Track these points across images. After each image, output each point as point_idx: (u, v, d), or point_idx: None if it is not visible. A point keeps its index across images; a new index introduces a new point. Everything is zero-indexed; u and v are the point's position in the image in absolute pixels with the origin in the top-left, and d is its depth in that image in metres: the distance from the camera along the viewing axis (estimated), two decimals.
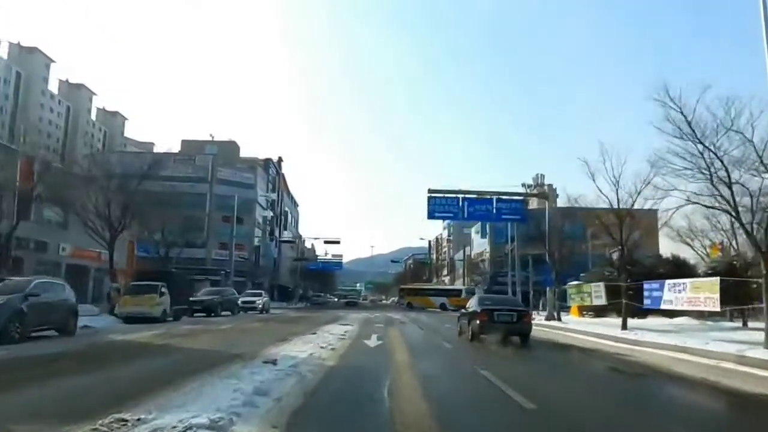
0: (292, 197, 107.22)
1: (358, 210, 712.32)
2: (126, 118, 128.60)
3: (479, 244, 68.59)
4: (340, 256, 76.17)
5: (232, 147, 74.49)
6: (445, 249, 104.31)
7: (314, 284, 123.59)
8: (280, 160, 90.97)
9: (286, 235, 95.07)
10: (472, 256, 77.22)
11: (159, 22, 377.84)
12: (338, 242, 45.02)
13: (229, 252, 57.36)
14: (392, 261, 61.71)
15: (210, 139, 75.68)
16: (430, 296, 62.52)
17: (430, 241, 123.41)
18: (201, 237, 66.48)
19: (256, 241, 70.95)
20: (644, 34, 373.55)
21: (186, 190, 66.87)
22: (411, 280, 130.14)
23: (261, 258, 73.38)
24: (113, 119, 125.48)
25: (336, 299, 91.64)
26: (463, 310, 18.31)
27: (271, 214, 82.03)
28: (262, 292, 36.97)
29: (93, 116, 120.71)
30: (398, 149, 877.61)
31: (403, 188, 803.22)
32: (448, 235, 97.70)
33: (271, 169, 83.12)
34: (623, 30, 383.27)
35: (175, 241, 69.08)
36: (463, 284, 78.29)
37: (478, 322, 14.95)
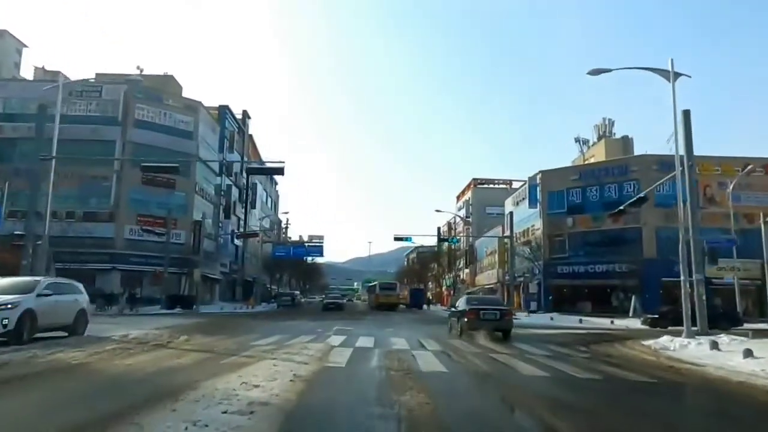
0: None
1: (357, 209, 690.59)
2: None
3: (523, 220, 46.54)
4: (321, 237, 53.81)
5: (167, 84, 52.28)
6: (462, 234, 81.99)
7: (307, 283, 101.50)
8: (245, 114, 68.73)
9: (256, 214, 72.87)
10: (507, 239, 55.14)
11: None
12: (281, 172, 22.72)
13: (40, 222, 35.20)
14: (395, 239, 39.30)
15: (137, 73, 53.38)
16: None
17: (439, 228, 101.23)
18: (107, 205, 44.33)
19: (196, 215, 48.67)
20: None
21: (86, 135, 44.91)
22: (416, 277, 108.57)
23: (205, 240, 51.08)
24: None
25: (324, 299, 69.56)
26: (452, 309, 20.28)
27: (229, 182, 59.77)
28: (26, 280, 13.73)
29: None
30: (396, 149, 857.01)
31: (401, 187, 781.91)
32: (467, 215, 75.68)
33: (229, 121, 60.77)
34: None
35: (72, 212, 47.14)
36: (500, 278, 56.21)
37: (466, 319, 16.34)
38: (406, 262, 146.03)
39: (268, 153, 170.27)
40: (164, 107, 47.40)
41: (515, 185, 74.83)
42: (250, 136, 71.97)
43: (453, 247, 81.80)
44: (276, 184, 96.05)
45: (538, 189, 44.95)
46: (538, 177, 45.21)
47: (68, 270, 42.55)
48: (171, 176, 46.85)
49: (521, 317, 34.81)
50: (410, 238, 40.27)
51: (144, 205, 44.67)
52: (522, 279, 48.43)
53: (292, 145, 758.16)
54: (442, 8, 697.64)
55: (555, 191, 43.85)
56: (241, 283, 64.68)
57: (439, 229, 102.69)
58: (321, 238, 53.69)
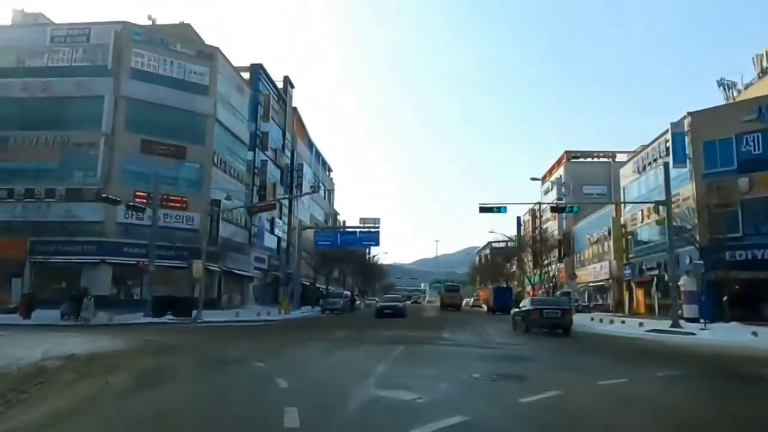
0: (317, 153, 73.75)
1: (422, 208, 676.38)
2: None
3: (658, 188, 32.23)
4: (377, 221, 40.99)
5: (183, 33, 41.46)
6: (551, 222, 67.69)
7: (368, 282, 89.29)
8: (287, 82, 57.68)
9: (305, 203, 61.69)
10: (625, 220, 40.98)
11: None
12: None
13: None
14: (481, 210, 26.07)
15: (149, 24, 42.94)
16: None
17: (519, 217, 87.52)
18: (94, 180, 33.91)
19: (216, 194, 37.71)
20: None
21: (70, 90, 34.91)
22: (490, 275, 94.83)
23: (230, 227, 40.02)
24: None
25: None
26: (516, 310, 21.97)
27: (264, 158, 48.73)
28: None
29: None
30: (457, 151, 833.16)
31: (466, 187, 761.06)
32: (558, 197, 61.26)
33: (264, 84, 49.75)
34: None
35: (52, 189, 36.49)
36: (614, 272, 42.18)
37: (531, 318, 18.71)
38: (478, 260, 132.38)
39: (320, 137, 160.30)
40: (170, 54, 36.73)
41: (620, 157, 59.94)
42: (294, 108, 60.91)
43: (540, 236, 67.70)
44: (330, 171, 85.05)
45: (686, 139, 30.68)
46: (686, 122, 30.93)
47: (47, 265, 32.80)
48: (179, 143, 36.39)
49: (696, 331, 21.05)
50: (503, 208, 27.17)
51: (143, 179, 33.84)
52: (657, 272, 34.38)
53: (348, 140, 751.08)
54: None
55: (716, 140, 29.46)
56: (285, 282, 53.65)
57: (519, 218, 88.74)
58: (376, 221, 41.27)
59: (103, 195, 26.94)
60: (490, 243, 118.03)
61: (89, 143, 33.85)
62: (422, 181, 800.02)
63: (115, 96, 34.40)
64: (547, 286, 53.98)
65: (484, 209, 26.55)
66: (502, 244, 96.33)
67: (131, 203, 27.90)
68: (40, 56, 35.27)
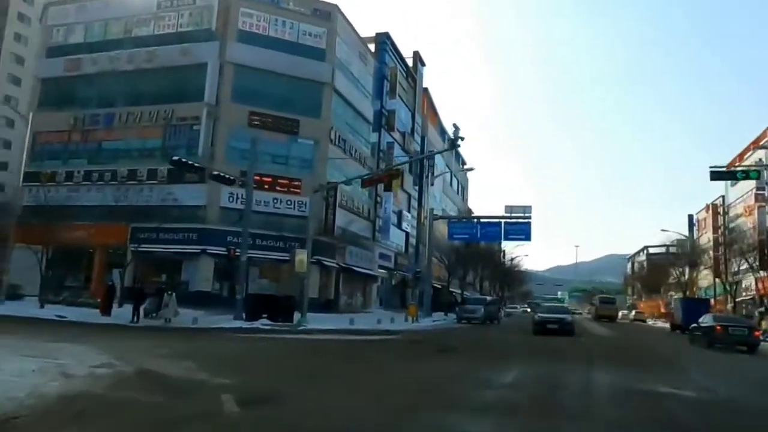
0: (449, 139, 66.43)
1: (556, 215, 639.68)
2: None
3: None
4: (527, 209, 32.03)
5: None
6: (743, 219, 53.76)
7: (506, 288, 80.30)
8: (417, 59, 51.10)
9: (437, 196, 54.75)
10: None
11: None
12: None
13: None
14: (713, 176, 16.78)
15: None
16: None
17: (690, 216, 73.85)
18: (195, 159, 29.38)
19: (333, 175, 31.81)
20: None
21: (173, 59, 30.94)
22: (648, 284, 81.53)
23: (349, 216, 33.97)
24: None
25: (532, 311, 47.76)
26: (694, 326, 21.70)
27: (391, 140, 42.48)
28: None
29: None
30: (597, 154, 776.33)
31: (604, 192, 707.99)
32: (758, 186, 47.79)
33: (390, 56, 43.51)
34: None
35: (154, 170, 30.96)
36: None
37: (715, 334, 18.59)
38: (630, 267, 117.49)
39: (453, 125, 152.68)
40: (282, 13, 31.66)
41: None
42: (425, 89, 54.24)
43: (725, 237, 54.74)
44: (464, 163, 77.30)
45: None
46: None
47: (147, 255, 29.08)
48: (291, 116, 31.05)
49: None
50: (752, 173, 18.04)
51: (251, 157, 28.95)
52: None
53: (479, 134, 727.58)
54: None
55: None
56: (414, 284, 47.01)
57: (690, 217, 74.33)
58: (526, 210, 32.30)
59: (174, 158, 21.63)
60: (645, 247, 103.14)
61: (193, 117, 29.63)
62: (555, 186, 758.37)
63: (221, 62, 29.93)
64: (757, 297, 41.84)
65: (717, 176, 17.52)
66: (660, 249, 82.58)
67: (216, 172, 22.45)
68: (147, 24, 31.97)
